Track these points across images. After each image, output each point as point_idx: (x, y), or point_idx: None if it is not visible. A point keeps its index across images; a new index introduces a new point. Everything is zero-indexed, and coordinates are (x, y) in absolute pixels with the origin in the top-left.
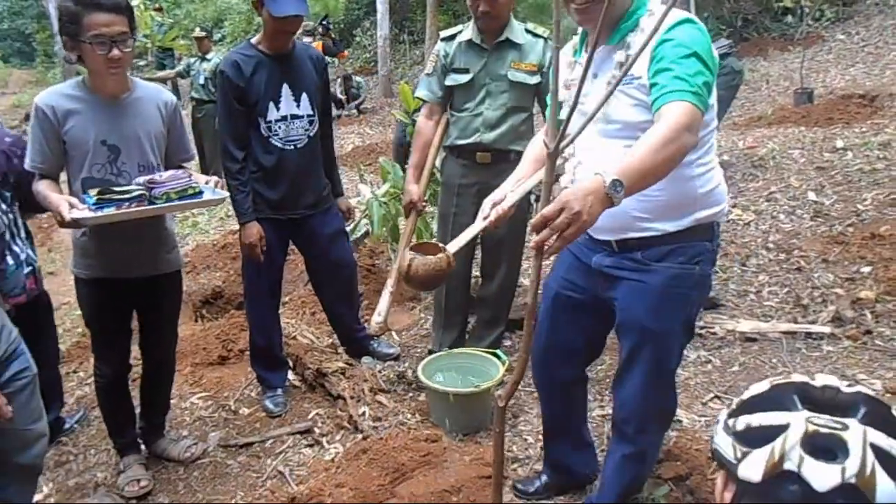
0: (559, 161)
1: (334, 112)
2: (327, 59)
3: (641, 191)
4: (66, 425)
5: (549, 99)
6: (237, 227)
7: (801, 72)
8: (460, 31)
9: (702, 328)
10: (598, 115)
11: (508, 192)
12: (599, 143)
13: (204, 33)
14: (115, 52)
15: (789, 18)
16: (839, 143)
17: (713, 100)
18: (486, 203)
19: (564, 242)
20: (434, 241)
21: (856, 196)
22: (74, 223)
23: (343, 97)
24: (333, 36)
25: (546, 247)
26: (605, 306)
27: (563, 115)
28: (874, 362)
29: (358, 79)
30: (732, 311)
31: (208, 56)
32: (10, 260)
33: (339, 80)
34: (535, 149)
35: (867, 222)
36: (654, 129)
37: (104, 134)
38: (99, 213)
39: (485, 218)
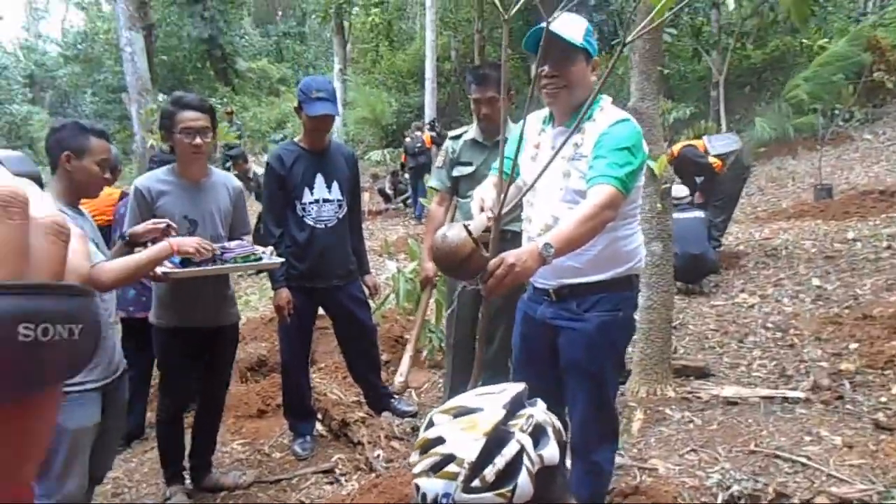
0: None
1: (382, 206)
2: (433, 147)
3: (569, 252)
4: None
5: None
6: None
7: (819, 168)
8: (466, 132)
9: (689, 393)
10: (560, 185)
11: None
12: (560, 205)
13: (235, 152)
14: (198, 140)
15: (820, 119)
16: (850, 234)
17: (640, 182)
18: (475, 206)
19: (502, 287)
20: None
21: (857, 282)
22: (164, 277)
23: (391, 192)
24: (438, 130)
25: (490, 292)
26: (555, 351)
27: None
28: (840, 423)
29: (406, 176)
30: (721, 380)
31: (250, 175)
32: None
33: (388, 176)
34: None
35: (863, 305)
36: (583, 206)
37: (186, 210)
38: (185, 270)
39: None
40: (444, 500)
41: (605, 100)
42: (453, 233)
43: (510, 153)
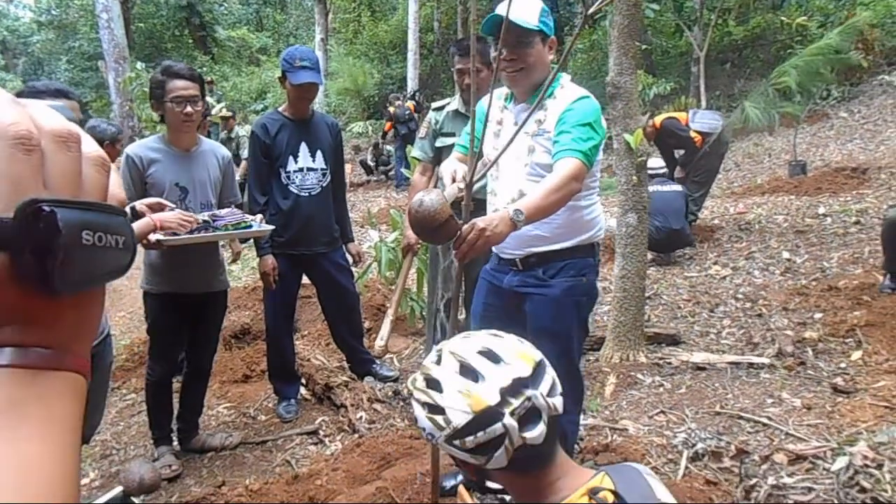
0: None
1: (364, 177)
2: (416, 114)
3: (538, 220)
4: None
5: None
6: None
7: (794, 145)
8: (448, 103)
9: (660, 359)
10: (525, 160)
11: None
12: (525, 179)
13: (230, 113)
14: (189, 108)
15: (797, 98)
16: (821, 210)
17: (600, 156)
18: (447, 176)
19: (474, 251)
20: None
21: (825, 255)
22: (157, 244)
23: (373, 164)
24: (419, 99)
25: (463, 256)
26: (519, 317)
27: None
28: (801, 386)
29: (388, 147)
30: (692, 347)
31: (232, 134)
32: None
33: (370, 148)
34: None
35: (830, 277)
36: (551, 177)
37: (177, 178)
38: (177, 237)
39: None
40: (428, 437)
41: (565, 77)
42: (430, 199)
43: (477, 131)
